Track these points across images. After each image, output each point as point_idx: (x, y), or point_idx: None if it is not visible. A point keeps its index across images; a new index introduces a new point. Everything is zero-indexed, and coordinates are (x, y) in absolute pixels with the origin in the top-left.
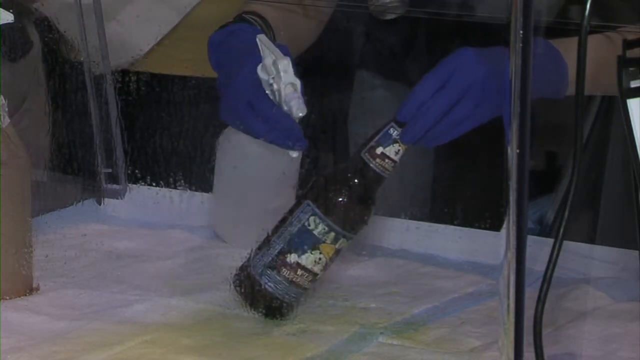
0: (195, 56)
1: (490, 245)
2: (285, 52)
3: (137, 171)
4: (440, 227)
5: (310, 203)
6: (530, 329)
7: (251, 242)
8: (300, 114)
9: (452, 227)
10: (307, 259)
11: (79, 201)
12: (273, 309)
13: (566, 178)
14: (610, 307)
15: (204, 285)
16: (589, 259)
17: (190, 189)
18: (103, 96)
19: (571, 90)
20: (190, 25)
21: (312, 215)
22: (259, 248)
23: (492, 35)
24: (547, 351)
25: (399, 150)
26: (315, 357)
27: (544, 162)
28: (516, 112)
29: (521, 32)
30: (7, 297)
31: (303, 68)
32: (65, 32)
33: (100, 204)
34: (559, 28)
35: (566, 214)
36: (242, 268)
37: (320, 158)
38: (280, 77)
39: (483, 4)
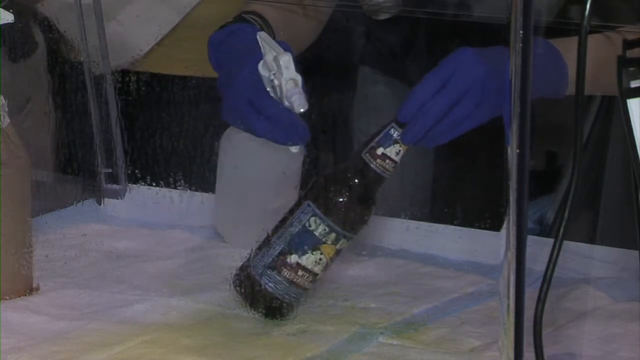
0: (195, 56)
1: (490, 245)
2: (286, 48)
3: (137, 171)
4: (440, 227)
5: (311, 204)
6: (530, 329)
7: (251, 242)
8: (302, 109)
9: (452, 227)
10: (308, 260)
11: (79, 201)
12: (273, 309)
13: (566, 178)
14: (610, 307)
15: (204, 285)
16: (589, 259)
17: (190, 189)
18: (103, 96)
19: (571, 90)
20: (190, 25)
21: (312, 215)
22: (259, 248)
23: (492, 35)
24: (547, 351)
25: (399, 150)
26: (315, 357)
27: (544, 162)
28: (516, 112)
29: (521, 32)
30: (7, 297)
31: (303, 68)
32: (65, 32)
33: (100, 204)
34: (559, 28)
35: (566, 214)
36: (242, 268)
37: (322, 158)
38: (282, 73)
39: (483, 4)
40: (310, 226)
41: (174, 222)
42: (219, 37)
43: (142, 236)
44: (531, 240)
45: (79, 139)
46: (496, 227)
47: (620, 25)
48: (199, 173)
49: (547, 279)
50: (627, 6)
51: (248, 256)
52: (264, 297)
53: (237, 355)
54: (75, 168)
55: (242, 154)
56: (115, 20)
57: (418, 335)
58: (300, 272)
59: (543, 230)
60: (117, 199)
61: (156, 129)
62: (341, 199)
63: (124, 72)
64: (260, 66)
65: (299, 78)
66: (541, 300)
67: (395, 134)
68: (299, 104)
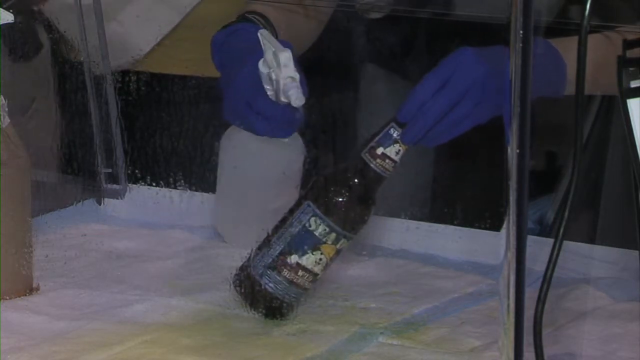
0: (196, 56)
1: (490, 245)
2: (287, 46)
3: (137, 171)
4: (440, 227)
5: (311, 204)
6: (530, 329)
7: (251, 242)
8: (299, 103)
9: (452, 227)
10: (308, 260)
11: (79, 201)
12: (273, 309)
13: (566, 178)
14: (610, 307)
15: (204, 285)
16: (589, 259)
17: (190, 189)
18: (103, 96)
19: (571, 89)
20: (190, 25)
21: (313, 216)
22: (259, 248)
23: (492, 35)
24: (547, 351)
25: (399, 150)
26: (315, 357)
27: (544, 162)
28: (516, 112)
29: (521, 32)
30: (7, 297)
31: (304, 68)
32: (65, 32)
33: (100, 204)
34: (559, 28)
35: (566, 214)
36: (242, 268)
37: (322, 158)
38: (280, 69)
39: (483, 4)
40: (310, 226)
41: (174, 222)
42: (221, 37)
43: (142, 236)
44: (531, 240)
45: (79, 139)
46: (496, 227)
47: (620, 25)
48: (199, 173)
49: (547, 279)
50: (627, 6)
51: (248, 256)
52: (264, 297)
53: (237, 355)
54: (76, 168)
55: (242, 154)
56: (116, 20)
57: (418, 335)
58: (300, 272)
59: (543, 230)
60: (117, 199)
61: (156, 129)
62: (341, 199)
63: (124, 72)
64: (260, 63)
65: (297, 75)
66: (541, 300)
67: (395, 133)
68: (297, 98)
